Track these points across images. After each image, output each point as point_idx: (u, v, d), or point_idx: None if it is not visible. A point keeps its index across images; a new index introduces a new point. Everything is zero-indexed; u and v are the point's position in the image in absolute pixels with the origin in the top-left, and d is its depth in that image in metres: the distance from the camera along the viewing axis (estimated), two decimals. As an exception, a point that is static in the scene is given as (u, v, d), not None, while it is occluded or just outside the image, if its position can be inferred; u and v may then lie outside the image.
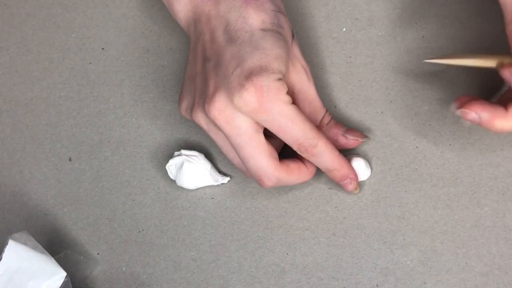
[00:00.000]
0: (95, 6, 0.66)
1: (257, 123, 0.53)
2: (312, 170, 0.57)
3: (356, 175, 0.57)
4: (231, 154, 0.56)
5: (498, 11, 0.61)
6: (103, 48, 0.65)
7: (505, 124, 0.52)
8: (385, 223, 0.58)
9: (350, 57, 0.62)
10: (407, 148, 0.59)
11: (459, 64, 0.55)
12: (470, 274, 0.56)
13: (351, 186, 0.57)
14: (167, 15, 0.65)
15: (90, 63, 0.65)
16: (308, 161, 0.56)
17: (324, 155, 0.55)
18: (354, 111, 0.61)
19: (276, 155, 0.54)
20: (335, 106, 0.61)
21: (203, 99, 0.54)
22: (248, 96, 0.51)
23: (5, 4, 0.67)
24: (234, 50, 0.53)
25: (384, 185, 0.59)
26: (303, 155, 0.55)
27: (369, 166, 0.59)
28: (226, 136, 0.54)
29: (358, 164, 0.58)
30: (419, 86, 0.60)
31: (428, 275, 0.56)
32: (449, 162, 0.58)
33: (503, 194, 0.57)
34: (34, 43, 0.66)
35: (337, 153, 0.55)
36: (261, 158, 0.53)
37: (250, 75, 0.51)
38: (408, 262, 0.57)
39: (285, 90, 0.52)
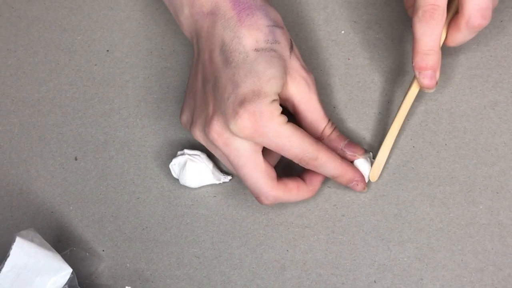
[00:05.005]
0: (100, 9, 0.67)
1: (256, 144, 0.54)
2: (313, 189, 0.57)
3: (362, 176, 0.57)
4: (230, 166, 0.57)
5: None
6: (108, 50, 0.66)
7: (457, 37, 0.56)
8: (383, 221, 0.58)
9: (349, 59, 0.63)
10: (404, 148, 0.60)
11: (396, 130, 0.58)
12: (465, 271, 0.56)
13: (358, 187, 0.57)
14: (170, 18, 0.65)
15: (95, 64, 0.65)
16: (310, 180, 0.57)
17: (327, 165, 0.55)
18: (352, 112, 0.61)
19: (274, 174, 0.55)
20: (334, 107, 0.61)
21: (202, 119, 0.55)
22: (243, 123, 0.52)
23: (13, 7, 0.68)
24: (229, 73, 0.54)
25: (381, 183, 0.59)
26: (306, 167, 0.55)
27: (371, 164, 0.59)
28: (225, 156, 0.55)
29: (361, 165, 0.58)
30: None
31: (425, 271, 0.57)
32: (445, 161, 0.59)
33: (497, 193, 0.58)
34: (41, 45, 0.66)
35: (339, 160, 0.56)
36: (259, 178, 0.54)
37: (243, 102, 0.52)
38: (405, 259, 0.57)
39: (279, 111, 0.53)
